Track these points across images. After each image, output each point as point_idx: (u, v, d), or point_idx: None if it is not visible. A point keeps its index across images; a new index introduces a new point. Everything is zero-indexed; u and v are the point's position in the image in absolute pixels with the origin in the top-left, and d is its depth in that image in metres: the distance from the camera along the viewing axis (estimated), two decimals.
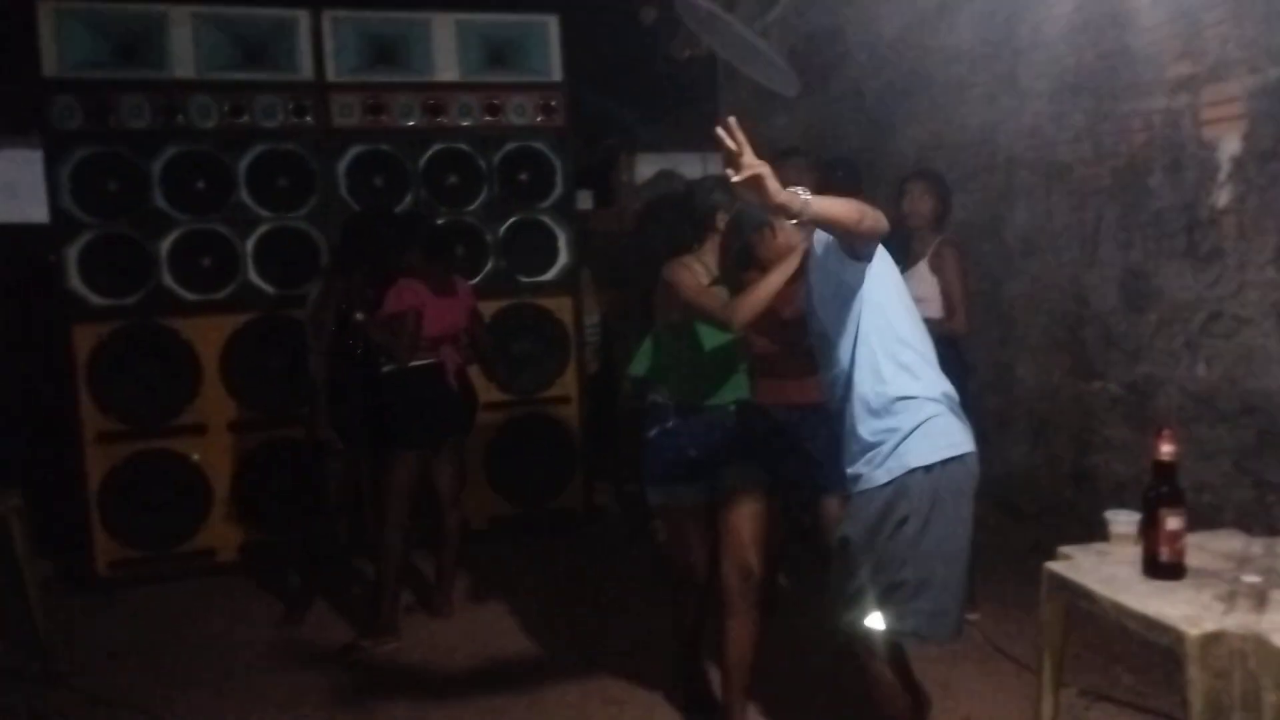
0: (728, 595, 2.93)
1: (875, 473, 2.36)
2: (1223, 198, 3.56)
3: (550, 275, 5.36)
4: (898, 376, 2.36)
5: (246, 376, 4.87)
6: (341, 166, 4.99)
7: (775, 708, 3.19)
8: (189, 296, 4.80)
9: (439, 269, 4.04)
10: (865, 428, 2.38)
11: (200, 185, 4.80)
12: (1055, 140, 4.34)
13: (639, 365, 3.13)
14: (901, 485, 2.32)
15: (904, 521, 2.32)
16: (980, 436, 2.46)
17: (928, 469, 2.32)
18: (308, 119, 4.94)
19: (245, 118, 4.85)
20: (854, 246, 2.29)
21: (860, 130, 5.81)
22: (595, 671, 3.60)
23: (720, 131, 2.02)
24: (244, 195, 4.85)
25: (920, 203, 3.85)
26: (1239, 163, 3.48)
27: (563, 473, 5.42)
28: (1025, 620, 3.69)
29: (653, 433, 3.01)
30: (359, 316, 3.90)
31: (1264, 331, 3.43)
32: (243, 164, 4.84)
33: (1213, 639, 1.92)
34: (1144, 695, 3.20)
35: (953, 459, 2.34)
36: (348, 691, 3.55)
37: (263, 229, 4.88)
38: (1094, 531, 2.52)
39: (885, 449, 2.34)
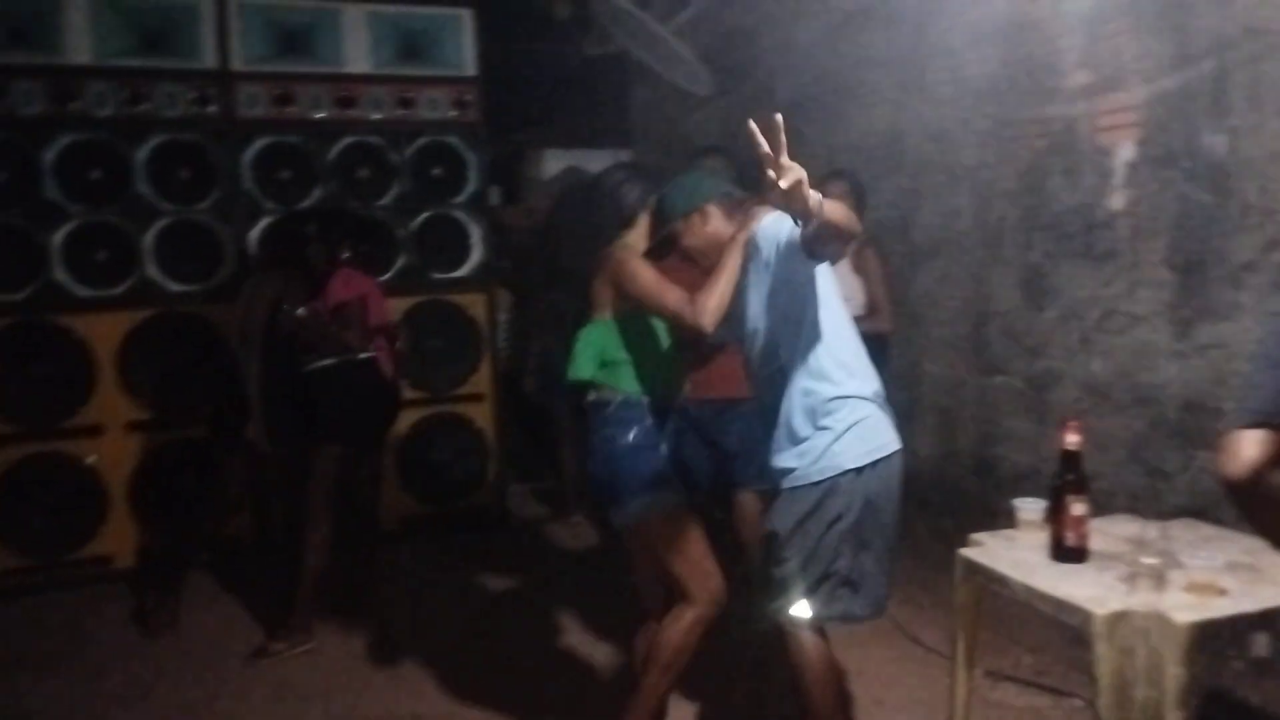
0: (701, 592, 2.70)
1: (808, 470, 2.39)
2: (1118, 201, 3.72)
3: (463, 271, 5.30)
4: (835, 373, 2.40)
5: (145, 375, 4.68)
6: (247, 158, 4.84)
7: (700, 701, 3.22)
8: (83, 292, 4.58)
9: (367, 262, 4.05)
10: (799, 422, 2.41)
11: (96, 175, 4.59)
12: (961, 144, 4.48)
13: (584, 368, 2.74)
14: (834, 485, 2.37)
15: (837, 520, 2.36)
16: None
17: (859, 471, 2.37)
18: (211, 108, 4.78)
19: (145, 106, 4.66)
20: (824, 248, 2.27)
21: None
22: (511, 673, 3.59)
23: (754, 127, 1.89)
24: (142, 187, 4.66)
25: (840, 202, 3.93)
26: (1133, 168, 3.64)
27: (476, 472, 5.36)
28: (931, 605, 3.81)
29: (631, 435, 2.68)
30: (301, 312, 3.75)
31: (1154, 328, 3.61)
32: (141, 154, 4.65)
33: (1118, 618, 2.03)
34: (1043, 674, 3.35)
35: (882, 458, 2.40)
36: (261, 697, 3.46)
37: (162, 222, 4.70)
38: (997, 519, 2.61)
39: (819, 446, 2.38)
